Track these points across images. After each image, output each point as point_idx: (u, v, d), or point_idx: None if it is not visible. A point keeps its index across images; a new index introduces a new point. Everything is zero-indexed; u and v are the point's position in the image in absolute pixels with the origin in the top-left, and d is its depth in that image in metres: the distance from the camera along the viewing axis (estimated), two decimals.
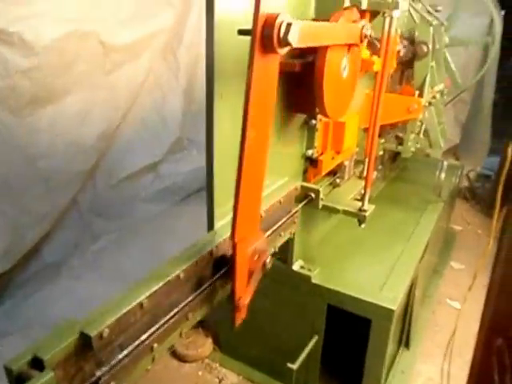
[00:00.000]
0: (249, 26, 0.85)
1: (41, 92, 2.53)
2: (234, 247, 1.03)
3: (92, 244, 3.06)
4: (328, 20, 1.33)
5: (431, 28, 2.17)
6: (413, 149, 2.48)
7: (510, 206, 0.76)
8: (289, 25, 0.86)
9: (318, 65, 1.28)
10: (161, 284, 0.96)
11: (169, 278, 0.98)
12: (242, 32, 0.92)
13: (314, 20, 1.46)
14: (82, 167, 2.91)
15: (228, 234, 1.07)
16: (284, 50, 0.89)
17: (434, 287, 3.02)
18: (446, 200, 2.80)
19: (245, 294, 1.09)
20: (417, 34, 2.21)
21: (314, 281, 1.81)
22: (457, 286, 3.06)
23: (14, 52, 2.33)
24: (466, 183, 4.72)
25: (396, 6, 1.44)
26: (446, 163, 2.82)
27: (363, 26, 1.37)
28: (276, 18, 0.84)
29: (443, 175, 2.76)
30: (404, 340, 2.34)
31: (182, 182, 3.77)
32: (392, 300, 1.74)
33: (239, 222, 0.98)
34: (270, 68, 0.92)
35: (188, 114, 3.69)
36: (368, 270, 1.95)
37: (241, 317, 1.12)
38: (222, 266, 1.14)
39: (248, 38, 0.85)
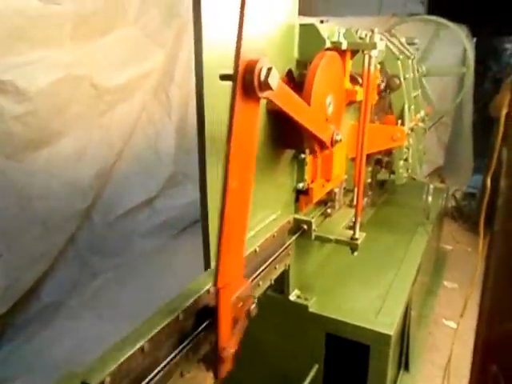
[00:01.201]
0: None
1: (35, 136, 2.60)
2: (217, 294, 1.00)
3: (90, 282, 3.06)
4: (310, 62, 1.42)
5: (398, 62, 2.29)
6: (405, 175, 2.56)
7: (492, 232, 0.80)
8: (269, 69, 0.89)
9: None
10: (162, 325, 0.98)
11: (172, 318, 1.01)
12: (223, 77, 0.93)
13: (297, 61, 1.55)
14: (79, 206, 2.95)
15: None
16: (265, 94, 0.92)
17: (429, 308, 3.05)
18: (434, 222, 2.87)
19: (229, 344, 1.03)
20: (388, 69, 2.33)
21: (311, 310, 1.84)
22: (451, 306, 3.10)
23: (7, 99, 2.41)
24: (452, 203, 4.82)
25: (374, 46, 1.54)
26: (431, 186, 2.91)
27: (334, 132, 1.49)
28: (256, 63, 0.87)
29: (430, 198, 2.84)
30: (403, 362, 2.35)
31: (177, 216, 3.81)
32: (389, 325, 1.77)
33: (222, 269, 0.96)
34: (251, 112, 0.92)
35: (181, 149, 3.77)
36: (363, 296, 1.98)
37: (225, 369, 1.06)
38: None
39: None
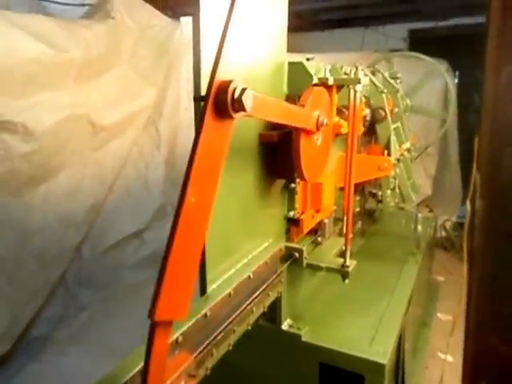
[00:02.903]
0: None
1: (37, 172, 2.68)
2: (152, 329, 0.80)
3: (77, 316, 3.02)
4: (299, 96, 1.49)
5: (383, 95, 2.40)
6: (392, 204, 2.62)
7: (472, 250, 0.83)
8: (243, 89, 0.89)
9: (295, 135, 1.41)
10: None
11: None
12: (196, 99, 0.96)
13: (287, 96, 1.62)
14: (73, 241, 2.99)
15: (222, 295, 1.11)
16: (239, 115, 0.91)
17: (423, 340, 3.02)
18: (424, 251, 2.90)
19: None
20: (372, 101, 2.43)
21: (304, 339, 1.83)
22: (446, 338, 3.08)
23: (16, 139, 2.51)
24: (443, 233, 4.87)
25: (358, 81, 1.62)
26: (420, 215, 2.96)
27: (319, 115, 1.46)
28: (230, 83, 0.87)
29: (419, 227, 2.88)
30: None
31: None
32: (382, 354, 1.76)
33: (163, 297, 0.80)
34: (221, 133, 0.91)
35: (170, 182, 3.81)
36: (356, 325, 1.98)
37: None
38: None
39: None
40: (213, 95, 0.85)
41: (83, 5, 4.31)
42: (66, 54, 2.70)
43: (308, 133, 1.47)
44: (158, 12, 3.71)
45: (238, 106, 0.89)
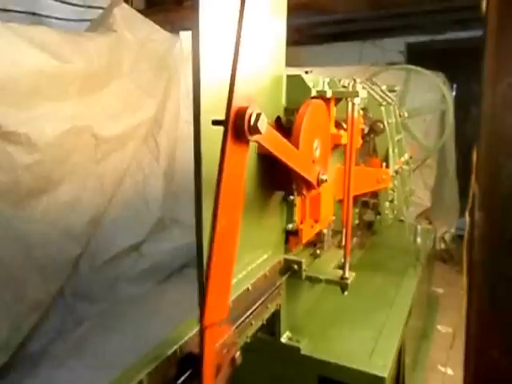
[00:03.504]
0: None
1: (38, 184, 2.68)
2: (202, 335, 0.96)
3: (75, 329, 2.99)
4: (298, 109, 1.50)
5: (382, 108, 2.41)
6: (391, 216, 2.61)
7: (471, 263, 0.83)
8: (258, 115, 0.98)
9: None
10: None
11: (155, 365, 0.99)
12: (215, 123, 1.00)
13: (285, 109, 1.63)
14: (73, 253, 2.98)
15: None
16: (254, 137, 1.00)
17: (423, 353, 3.00)
18: (424, 263, 2.89)
19: None
20: (371, 114, 2.45)
21: (303, 352, 1.82)
22: (446, 351, 3.05)
23: (20, 150, 2.52)
24: (442, 245, 4.86)
25: (356, 94, 1.64)
26: (419, 227, 2.96)
27: (319, 172, 1.56)
28: (247, 109, 0.96)
29: (419, 239, 2.88)
30: None
31: (164, 261, 3.79)
32: (382, 367, 1.75)
33: (209, 306, 0.95)
34: (240, 155, 1.00)
35: (169, 195, 3.81)
36: (355, 337, 1.97)
37: None
38: None
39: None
40: (231, 121, 0.94)
41: (82, 20, 4.39)
42: (70, 66, 2.73)
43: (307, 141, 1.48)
44: (157, 26, 3.76)
45: (254, 130, 0.97)
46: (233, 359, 1.08)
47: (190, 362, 1.10)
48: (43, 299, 2.76)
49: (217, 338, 1.02)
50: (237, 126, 0.95)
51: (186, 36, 3.82)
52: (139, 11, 3.92)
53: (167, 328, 1.17)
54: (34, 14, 4.12)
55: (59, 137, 2.68)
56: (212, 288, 0.95)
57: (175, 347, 1.09)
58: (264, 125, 0.99)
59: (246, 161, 1.03)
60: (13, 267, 2.54)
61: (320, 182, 1.57)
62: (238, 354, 1.10)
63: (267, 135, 1.07)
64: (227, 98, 0.94)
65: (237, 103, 0.95)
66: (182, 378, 1.07)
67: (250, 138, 0.98)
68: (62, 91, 2.74)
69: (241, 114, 0.95)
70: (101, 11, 4.10)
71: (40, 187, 2.71)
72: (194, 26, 1.09)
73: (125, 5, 3.74)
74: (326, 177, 1.60)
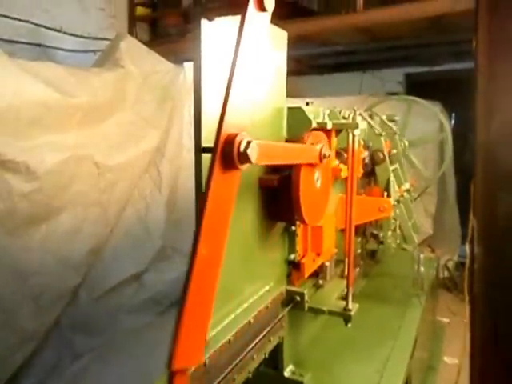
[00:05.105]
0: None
1: (38, 212, 2.68)
2: (170, 378, 0.84)
3: (72, 364, 2.92)
4: (299, 141, 1.52)
5: (381, 138, 2.45)
6: (394, 245, 2.61)
7: (472, 296, 0.82)
8: (248, 142, 0.93)
9: (294, 180, 1.43)
10: None
11: None
12: (205, 150, 0.99)
13: (286, 140, 1.65)
14: (71, 283, 2.94)
15: (222, 341, 1.09)
16: (244, 166, 0.94)
17: None
18: (428, 292, 2.86)
19: None
20: (371, 143, 2.48)
21: None
22: (454, 383, 2.97)
23: (18, 178, 2.54)
24: (446, 273, 4.81)
25: (356, 126, 1.67)
26: (422, 256, 2.94)
27: (322, 148, 1.50)
28: (236, 136, 0.91)
29: (422, 268, 2.86)
30: None
31: (165, 291, 3.74)
32: None
33: (181, 348, 0.83)
34: (229, 184, 0.94)
35: (171, 224, 3.80)
36: (360, 371, 1.92)
37: None
38: None
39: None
40: (220, 148, 0.89)
41: (88, 51, 4.50)
42: (73, 99, 2.78)
43: (308, 173, 1.49)
44: (161, 58, 3.86)
45: (244, 158, 0.92)
46: None
47: None
48: (37, 329, 2.70)
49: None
50: (226, 154, 0.90)
51: (189, 66, 3.91)
52: (144, 43, 4.04)
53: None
54: (39, 45, 4.24)
55: (59, 164, 2.70)
56: (188, 324, 0.85)
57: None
58: (254, 153, 0.94)
59: (235, 190, 0.97)
60: (5, 294, 2.49)
61: (323, 158, 1.51)
62: None
63: (261, 155, 0.99)
64: (218, 124, 0.90)
65: (227, 130, 0.90)
66: None
67: (239, 166, 0.93)
68: (64, 122, 2.78)
69: (230, 140, 0.90)
70: (106, 42, 4.23)
71: (39, 215, 2.70)
72: (195, 58, 1.12)
73: (130, 38, 3.86)
74: (330, 152, 1.56)
